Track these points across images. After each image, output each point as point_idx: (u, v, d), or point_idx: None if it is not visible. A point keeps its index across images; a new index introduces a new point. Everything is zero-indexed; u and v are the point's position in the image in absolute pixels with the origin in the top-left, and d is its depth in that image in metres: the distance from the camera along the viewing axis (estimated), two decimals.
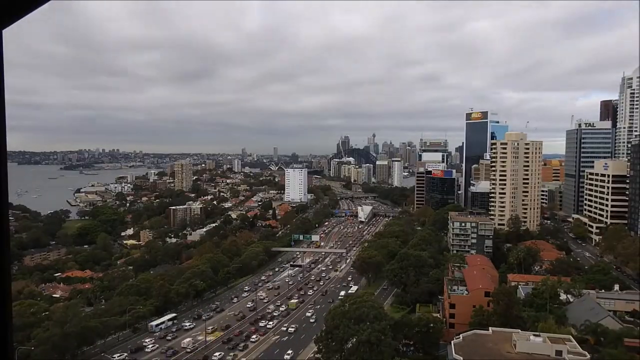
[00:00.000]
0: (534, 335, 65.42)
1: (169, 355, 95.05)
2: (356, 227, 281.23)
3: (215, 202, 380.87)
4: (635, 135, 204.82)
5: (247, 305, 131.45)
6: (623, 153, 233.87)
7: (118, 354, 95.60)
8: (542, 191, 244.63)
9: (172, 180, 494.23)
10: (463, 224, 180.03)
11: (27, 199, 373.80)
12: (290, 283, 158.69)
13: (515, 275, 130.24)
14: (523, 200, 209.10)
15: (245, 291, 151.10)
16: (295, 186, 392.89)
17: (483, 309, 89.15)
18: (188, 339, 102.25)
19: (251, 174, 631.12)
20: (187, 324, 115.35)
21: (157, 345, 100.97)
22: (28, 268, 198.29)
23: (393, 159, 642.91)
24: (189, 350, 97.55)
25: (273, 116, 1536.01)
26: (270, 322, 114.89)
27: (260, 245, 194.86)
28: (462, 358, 62.68)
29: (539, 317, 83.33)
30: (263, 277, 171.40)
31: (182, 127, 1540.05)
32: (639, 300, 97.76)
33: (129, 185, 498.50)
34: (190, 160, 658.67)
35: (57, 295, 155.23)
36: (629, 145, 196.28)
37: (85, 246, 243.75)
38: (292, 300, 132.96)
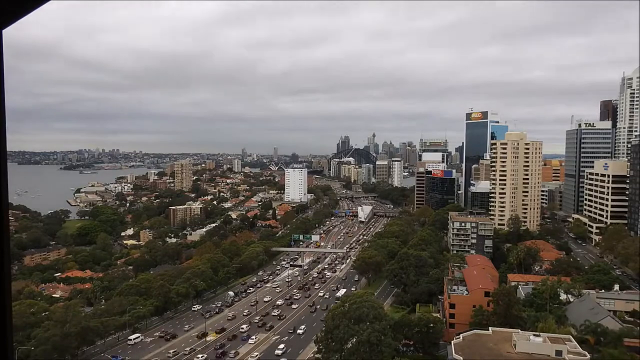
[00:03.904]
0: (534, 335, 65.37)
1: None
2: (356, 227, 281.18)
3: (215, 202, 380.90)
4: (635, 135, 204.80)
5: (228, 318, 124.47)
6: (623, 153, 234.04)
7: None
8: (542, 191, 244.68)
9: (172, 180, 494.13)
10: (463, 224, 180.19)
11: (27, 199, 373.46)
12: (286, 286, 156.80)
13: (515, 275, 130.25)
14: (523, 200, 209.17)
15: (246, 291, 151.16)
16: (295, 186, 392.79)
17: (483, 309, 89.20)
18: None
19: (251, 174, 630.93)
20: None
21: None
22: (28, 268, 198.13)
23: (393, 159, 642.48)
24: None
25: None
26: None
27: (260, 245, 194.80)
28: (462, 358, 62.65)
29: (539, 317, 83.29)
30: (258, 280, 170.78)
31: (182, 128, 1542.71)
32: (639, 300, 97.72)
33: (129, 185, 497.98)
34: (190, 160, 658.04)
35: (57, 295, 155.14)
36: (629, 145, 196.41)
37: (86, 246, 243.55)
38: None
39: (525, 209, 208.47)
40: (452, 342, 69.65)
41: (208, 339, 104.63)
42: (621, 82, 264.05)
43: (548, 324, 75.78)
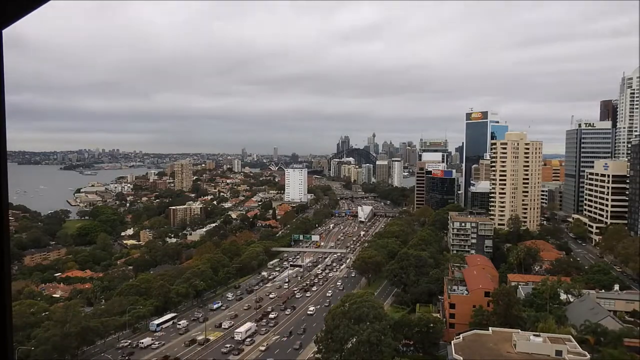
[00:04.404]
0: (534, 335, 65.42)
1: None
2: (356, 227, 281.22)
3: (215, 202, 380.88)
4: (635, 135, 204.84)
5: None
6: (623, 153, 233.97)
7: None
8: (542, 191, 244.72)
9: (172, 180, 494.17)
10: (463, 224, 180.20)
11: (27, 199, 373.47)
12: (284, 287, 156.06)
13: (515, 275, 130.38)
14: (523, 200, 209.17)
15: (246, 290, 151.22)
16: (295, 186, 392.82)
17: (483, 309, 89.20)
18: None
19: (251, 174, 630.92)
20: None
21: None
22: (28, 268, 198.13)
23: (393, 159, 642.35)
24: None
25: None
26: None
27: (260, 245, 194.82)
28: (462, 358, 62.67)
29: (539, 317, 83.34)
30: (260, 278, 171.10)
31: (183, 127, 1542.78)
32: (639, 300, 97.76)
33: (129, 185, 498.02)
34: (190, 160, 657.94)
35: (57, 295, 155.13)
36: (629, 145, 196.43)
37: (86, 246, 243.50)
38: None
39: (525, 209, 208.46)
40: (452, 342, 69.68)
41: (210, 338, 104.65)
42: (621, 82, 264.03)
43: (548, 324, 75.80)
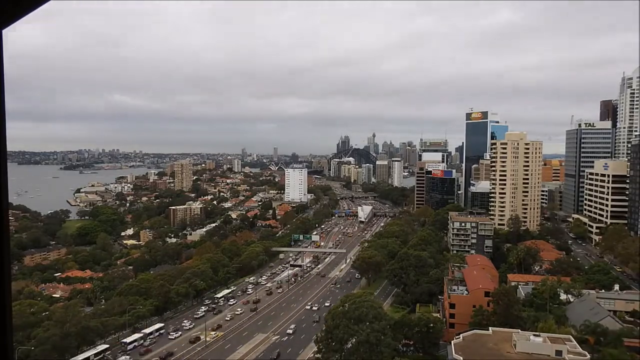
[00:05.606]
0: (534, 335, 65.37)
1: None
2: (356, 227, 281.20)
3: (215, 202, 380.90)
4: (635, 135, 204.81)
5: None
6: (623, 153, 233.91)
7: None
8: (542, 191, 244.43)
9: (172, 180, 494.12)
10: (463, 224, 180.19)
11: (27, 199, 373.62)
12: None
13: (515, 275, 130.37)
14: (523, 200, 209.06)
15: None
16: (295, 186, 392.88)
17: (483, 309, 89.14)
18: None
19: (251, 174, 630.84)
20: None
21: None
22: (28, 268, 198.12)
23: (393, 159, 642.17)
24: None
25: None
26: None
27: (260, 245, 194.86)
28: (462, 358, 62.63)
29: (539, 317, 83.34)
30: (263, 278, 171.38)
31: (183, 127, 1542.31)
32: (639, 300, 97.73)
33: (129, 185, 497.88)
34: (190, 160, 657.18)
35: (57, 295, 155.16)
36: (629, 145, 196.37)
37: (86, 246, 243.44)
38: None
39: (525, 209, 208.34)
40: (452, 342, 69.64)
41: (208, 339, 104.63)
42: (621, 82, 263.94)
43: (548, 324, 75.79)
